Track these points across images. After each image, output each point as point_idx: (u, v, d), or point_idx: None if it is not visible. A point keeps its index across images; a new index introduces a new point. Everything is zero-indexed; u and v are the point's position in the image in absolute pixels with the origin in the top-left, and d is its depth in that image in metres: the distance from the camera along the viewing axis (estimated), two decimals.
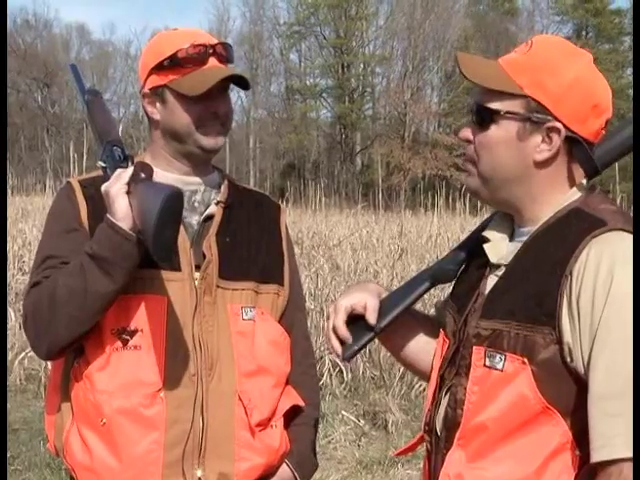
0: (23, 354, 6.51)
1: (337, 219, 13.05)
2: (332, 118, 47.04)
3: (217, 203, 1.94)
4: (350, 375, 6.42)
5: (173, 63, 1.83)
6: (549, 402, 1.39)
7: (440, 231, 10.42)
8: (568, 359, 1.39)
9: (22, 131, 46.66)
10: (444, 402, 1.57)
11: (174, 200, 1.59)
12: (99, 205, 1.74)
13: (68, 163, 8.82)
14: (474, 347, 1.49)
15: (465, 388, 1.50)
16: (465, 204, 11.85)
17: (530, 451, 1.41)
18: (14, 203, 12.56)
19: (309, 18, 46.17)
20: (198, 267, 1.86)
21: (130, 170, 1.69)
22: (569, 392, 1.40)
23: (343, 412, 5.90)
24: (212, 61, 1.85)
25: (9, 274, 8.11)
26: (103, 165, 1.77)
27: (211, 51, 1.84)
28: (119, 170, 1.70)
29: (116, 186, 1.68)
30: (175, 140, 1.89)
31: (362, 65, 45.71)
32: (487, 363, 1.46)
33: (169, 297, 1.81)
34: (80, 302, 1.70)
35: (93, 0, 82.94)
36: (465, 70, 1.51)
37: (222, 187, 1.98)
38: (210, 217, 1.93)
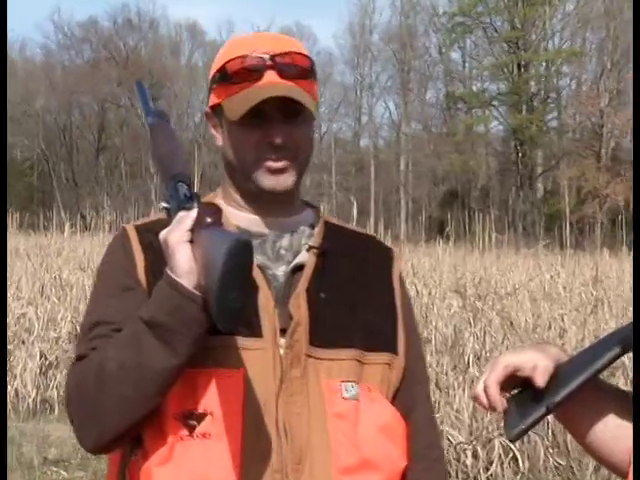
0: None
1: (512, 261, 13.05)
2: (505, 132, 47.00)
3: (309, 249, 1.90)
4: (527, 464, 6.34)
5: (222, 77, 1.84)
6: None
7: None
8: None
9: (123, 154, 49.05)
10: None
11: (240, 252, 1.55)
12: (160, 256, 1.71)
13: None
14: None
15: None
16: None
17: None
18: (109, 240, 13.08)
19: (476, 6, 46.47)
20: (284, 331, 1.81)
21: (194, 213, 1.66)
22: None
23: None
24: (269, 76, 1.80)
25: None
26: (165, 206, 1.74)
27: (270, 63, 1.80)
28: (181, 213, 1.67)
29: (176, 234, 1.64)
30: (236, 175, 1.89)
31: (544, 64, 45.49)
32: None
33: (247, 371, 1.77)
34: (134, 380, 1.67)
35: None
36: None
37: (316, 229, 1.94)
38: (300, 267, 1.88)
